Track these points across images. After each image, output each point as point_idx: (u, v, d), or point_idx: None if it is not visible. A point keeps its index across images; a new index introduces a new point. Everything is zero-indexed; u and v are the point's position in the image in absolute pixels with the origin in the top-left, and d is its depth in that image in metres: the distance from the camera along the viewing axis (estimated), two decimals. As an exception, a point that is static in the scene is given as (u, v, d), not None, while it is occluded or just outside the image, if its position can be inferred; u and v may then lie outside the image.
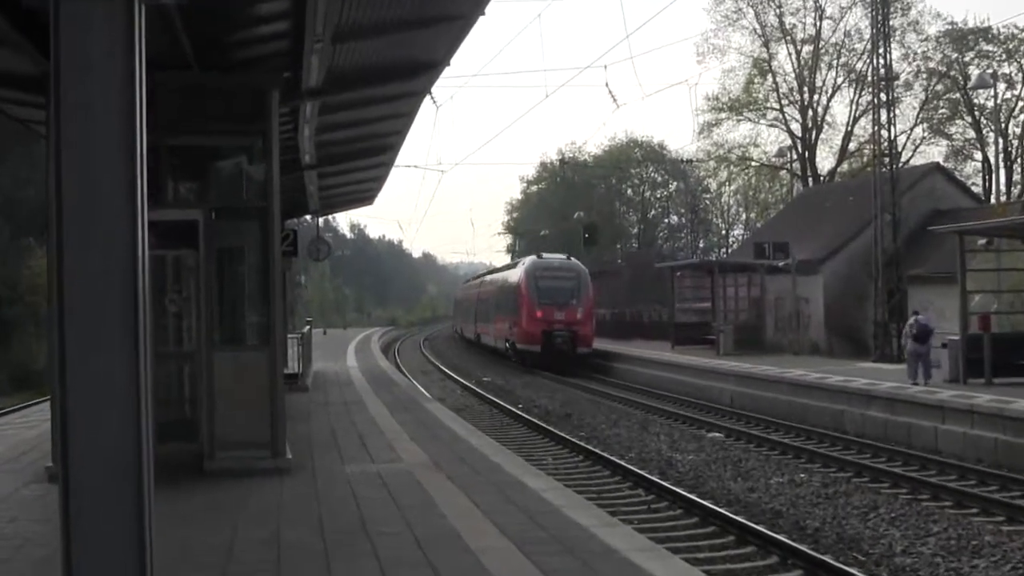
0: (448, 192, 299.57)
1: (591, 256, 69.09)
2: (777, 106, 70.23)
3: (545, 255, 51.61)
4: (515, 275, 50.05)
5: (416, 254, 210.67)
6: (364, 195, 34.74)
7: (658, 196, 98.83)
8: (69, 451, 3.55)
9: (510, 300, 49.22)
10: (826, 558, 12.17)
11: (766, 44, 68.68)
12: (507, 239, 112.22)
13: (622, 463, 19.11)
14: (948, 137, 64.96)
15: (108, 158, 3.65)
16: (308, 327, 34.32)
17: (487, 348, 56.38)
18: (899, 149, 45.75)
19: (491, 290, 57.31)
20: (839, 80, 67.42)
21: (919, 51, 63.46)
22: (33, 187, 48.89)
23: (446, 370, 47.08)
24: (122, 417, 3.60)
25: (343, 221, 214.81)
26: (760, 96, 71.06)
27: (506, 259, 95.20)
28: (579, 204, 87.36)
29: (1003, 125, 60.50)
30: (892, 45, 41.03)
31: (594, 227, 66.96)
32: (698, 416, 28.14)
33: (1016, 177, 61.79)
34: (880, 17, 38.90)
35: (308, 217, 47.52)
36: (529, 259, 51.19)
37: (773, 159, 72.82)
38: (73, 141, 3.60)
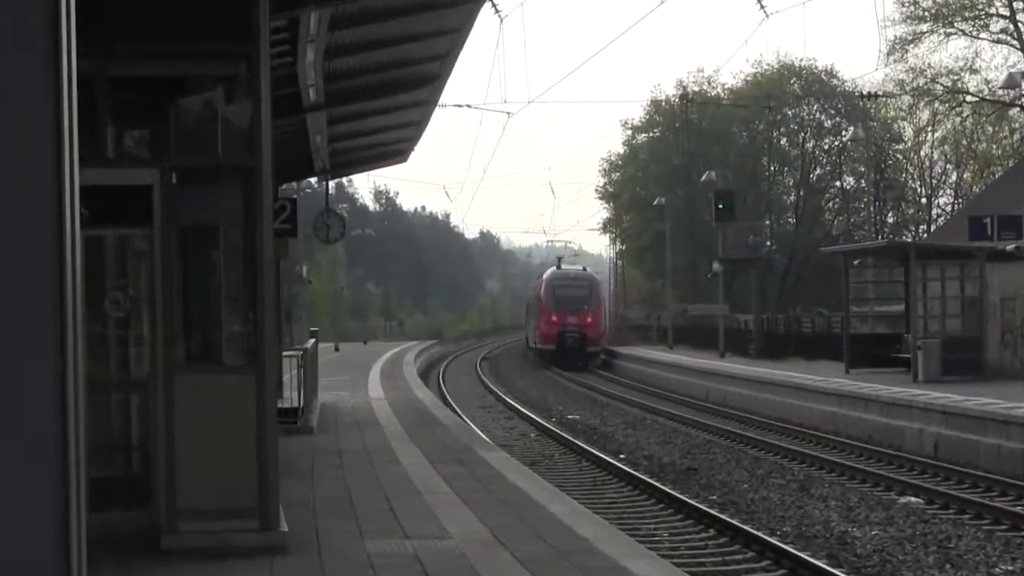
0: (517, 144, 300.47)
1: (727, 235, 68.69)
2: (1006, 11, 69.37)
3: (564, 266, 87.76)
4: (539, 284, 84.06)
5: (471, 234, 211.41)
6: (395, 149, 34.85)
7: (825, 148, 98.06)
8: (-38, 522, 3.55)
9: (535, 306, 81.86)
10: None
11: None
12: (604, 211, 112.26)
13: (773, 541, 18.95)
14: None
15: (19, 95, 3.65)
16: (313, 340, 34.46)
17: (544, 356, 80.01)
18: None
19: (531, 296, 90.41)
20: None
21: None
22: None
23: (514, 404, 47.16)
24: (40, 474, 3.60)
25: (363, 186, 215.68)
26: (979, -3, 70.25)
27: (603, 240, 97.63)
28: (709, 161, 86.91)
29: None
30: None
31: (730, 194, 66.60)
32: (884, 472, 27.87)
33: None
34: None
35: (313, 181, 47.66)
36: (549, 270, 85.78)
37: (999, 91, 71.88)
38: (-32, 69, 3.61)
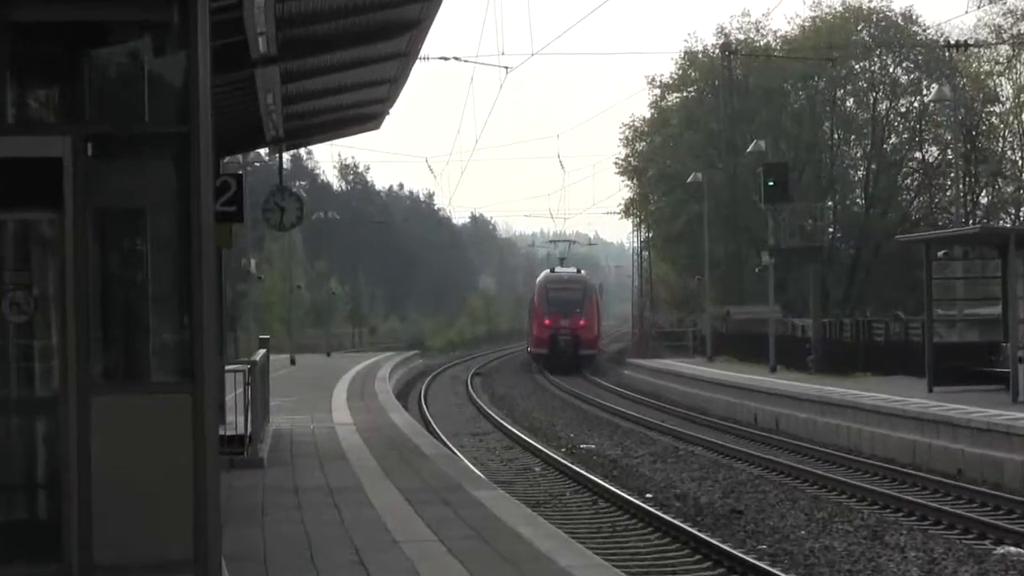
0: (517, 107, 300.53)
1: (780, 219, 68.72)
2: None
3: (558, 269, 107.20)
4: (534, 288, 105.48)
5: (460, 218, 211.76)
6: (365, 112, 34.90)
7: (902, 111, 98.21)
8: None
9: (530, 310, 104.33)
10: None
11: None
12: (626, 189, 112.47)
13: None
14: None
15: None
16: (263, 351, 34.47)
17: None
18: None
19: (529, 300, 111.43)
20: None
21: None
22: None
23: (514, 430, 47.20)
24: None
25: (326, 159, 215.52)
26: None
27: (625, 226, 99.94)
28: (757, 127, 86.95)
29: None
30: None
31: (784, 168, 66.59)
32: (977, 515, 27.85)
33: None
34: None
35: (264, 153, 47.74)
36: (544, 273, 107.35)
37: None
38: None
